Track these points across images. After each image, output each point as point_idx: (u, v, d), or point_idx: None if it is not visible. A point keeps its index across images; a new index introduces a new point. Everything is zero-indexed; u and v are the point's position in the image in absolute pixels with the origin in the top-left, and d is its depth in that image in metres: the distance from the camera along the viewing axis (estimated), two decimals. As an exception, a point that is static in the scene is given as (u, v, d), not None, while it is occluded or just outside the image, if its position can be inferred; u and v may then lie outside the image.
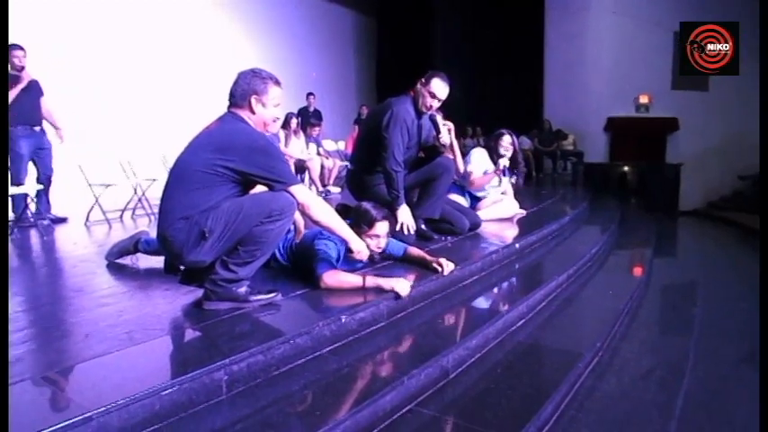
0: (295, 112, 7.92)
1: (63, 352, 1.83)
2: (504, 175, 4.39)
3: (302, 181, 7.15)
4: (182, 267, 2.36)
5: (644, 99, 10.91)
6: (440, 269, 2.70)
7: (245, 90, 2.17)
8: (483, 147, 4.52)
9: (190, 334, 2.03)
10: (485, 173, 4.29)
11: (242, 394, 1.71)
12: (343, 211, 2.74)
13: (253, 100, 2.16)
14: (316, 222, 2.28)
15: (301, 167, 7.02)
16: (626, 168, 10.27)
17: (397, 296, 2.41)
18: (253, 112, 2.18)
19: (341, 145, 8.61)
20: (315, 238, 2.57)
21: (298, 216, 2.48)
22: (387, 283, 2.42)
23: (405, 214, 3.21)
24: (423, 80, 3.25)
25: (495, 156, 4.30)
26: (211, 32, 8.78)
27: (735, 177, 10.71)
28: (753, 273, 6.43)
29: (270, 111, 2.22)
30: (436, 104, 3.28)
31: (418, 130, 3.36)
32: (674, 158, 10.65)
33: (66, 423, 1.33)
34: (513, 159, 4.33)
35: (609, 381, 2.44)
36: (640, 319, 3.46)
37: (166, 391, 1.53)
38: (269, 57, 8.56)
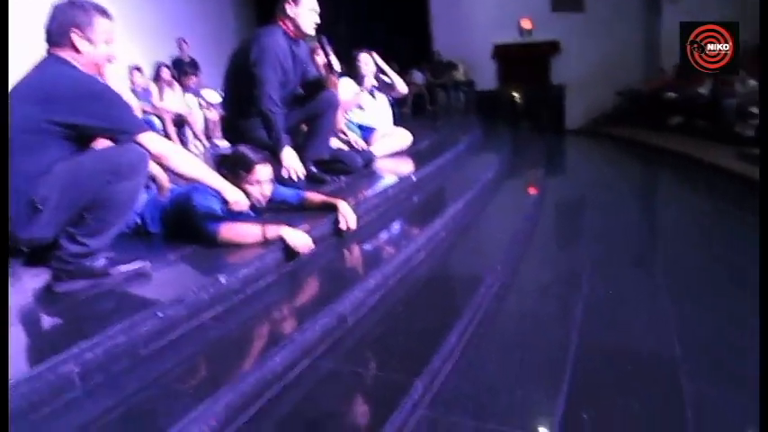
0: (167, 61, 7.21)
1: None
2: (374, 94, 4.25)
3: (185, 137, 6.58)
4: (24, 249, 1.98)
5: (526, 24, 11.09)
6: (344, 226, 2.50)
7: (62, 25, 1.77)
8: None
9: (35, 325, 1.71)
10: (359, 107, 4.16)
11: (101, 385, 1.44)
12: (222, 160, 2.45)
13: (75, 36, 1.77)
14: (178, 175, 1.97)
15: (181, 122, 6.45)
16: (514, 93, 10.52)
17: (295, 253, 2.20)
18: (78, 52, 1.79)
19: (225, 94, 7.99)
20: (190, 193, 2.26)
21: (159, 171, 2.16)
22: (289, 235, 2.19)
23: (290, 157, 2.94)
24: (289, 2, 2.93)
25: (359, 79, 4.15)
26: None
27: (613, 95, 11.33)
28: (635, 182, 6.89)
29: (100, 48, 1.84)
30: (318, 19, 3.01)
31: (295, 62, 3.06)
32: (559, 80, 11.05)
33: None
34: (380, 77, 4.22)
35: (511, 301, 2.44)
36: (537, 238, 3.52)
37: (-5, 399, 1.25)
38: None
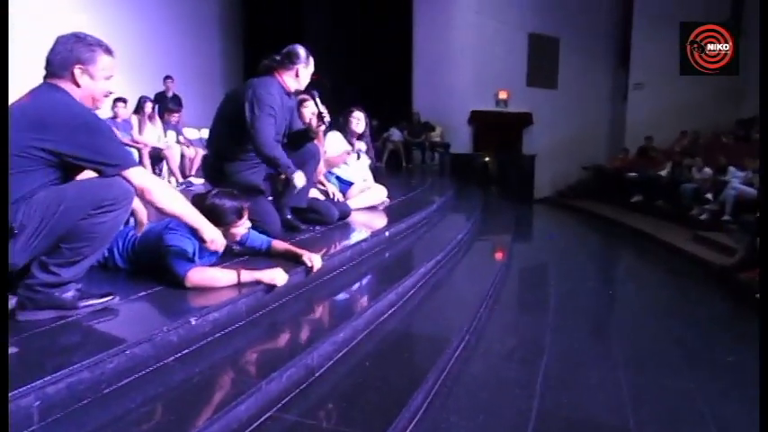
0: (150, 96, 7.24)
1: None
2: (359, 158, 4.34)
3: (160, 172, 6.56)
4: None
5: (503, 95, 11.66)
6: (309, 264, 2.53)
7: (65, 58, 1.81)
8: (336, 129, 4.39)
9: (-5, 353, 1.66)
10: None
11: (60, 422, 1.41)
12: (198, 201, 2.45)
13: (77, 71, 1.81)
14: (159, 210, 1.95)
15: (158, 157, 6.44)
16: (487, 159, 10.90)
17: (272, 288, 2.25)
18: (77, 86, 1.82)
19: (204, 133, 8.03)
20: (163, 232, 2.26)
21: (139, 206, 2.16)
22: (264, 275, 2.23)
23: (300, 179, 3.03)
24: (296, 59, 3.07)
25: (348, 135, 4.24)
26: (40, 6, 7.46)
27: (579, 168, 11.88)
28: (596, 254, 7.13)
29: (100, 84, 1.88)
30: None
31: (285, 114, 3.16)
32: (529, 150, 11.54)
33: None
34: (362, 133, 4.32)
35: (476, 364, 2.48)
36: (503, 302, 3.60)
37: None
38: (117, 33, 7.63)
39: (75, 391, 1.48)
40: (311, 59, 3.14)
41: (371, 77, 11.91)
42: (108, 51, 1.90)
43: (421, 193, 6.09)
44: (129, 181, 1.82)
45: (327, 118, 3.17)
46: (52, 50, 1.83)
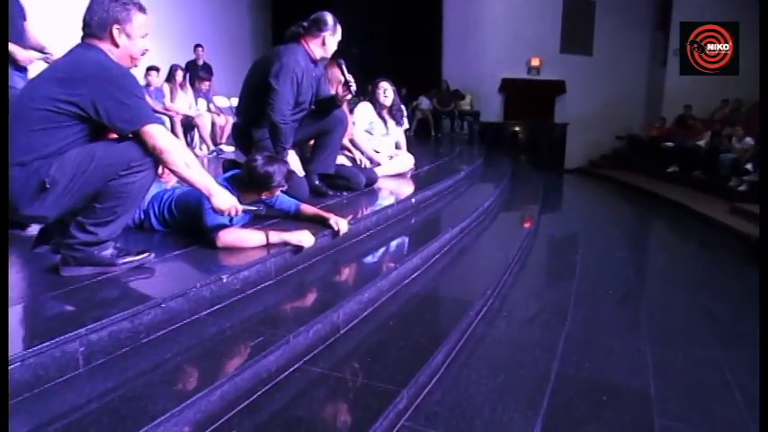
0: (182, 64, 7.33)
1: None
2: (387, 132, 4.36)
3: (192, 140, 6.69)
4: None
5: (535, 62, 11.37)
6: (336, 228, 2.59)
7: (103, 18, 1.84)
8: (366, 100, 4.39)
9: (40, 304, 1.77)
10: (369, 131, 4.27)
11: (103, 366, 1.51)
12: (248, 169, 2.50)
13: (115, 31, 1.85)
14: (172, 172, 1.94)
15: (190, 125, 6.56)
16: (517, 128, 10.72)
17: (299, 249, 2.34)
18: (116, 45, 1.86)
19: (234, 101, 8.11)
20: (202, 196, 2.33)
21: None
22: (292, 236, 2.32)
23: (292, 161, 3.12)
24: (323, 27, 3.07)
25: (377, 106, 4.25)
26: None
27: (613, 137, 11.58)
28: (628, 225, 7.02)
29: (137, 42, 1.92)
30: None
31: (311, 81, 3.18)
32: (561, 119, 11.28)
33: None
34: (392, 105, 4.32)
35: (498, 326, 2.51)
36: (528, 268, 3.61)
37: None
38: (147, 2, 7.71)
39: (115, 340, 1.58)
40: (338, 27, 3.14)
41: (400, 45, 11.73)
42: (141, 9, 1.93)
43: (449, 162, 6.06)
44: (146, 138, 1.81)
45: (354, 86, 3.17)
46: (88, 11, 1.86)
